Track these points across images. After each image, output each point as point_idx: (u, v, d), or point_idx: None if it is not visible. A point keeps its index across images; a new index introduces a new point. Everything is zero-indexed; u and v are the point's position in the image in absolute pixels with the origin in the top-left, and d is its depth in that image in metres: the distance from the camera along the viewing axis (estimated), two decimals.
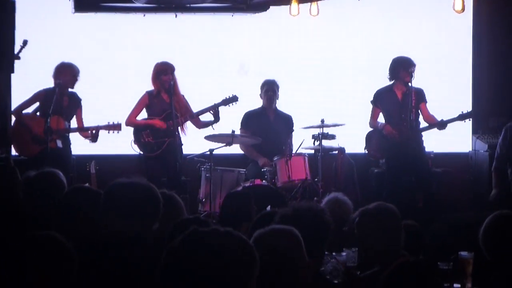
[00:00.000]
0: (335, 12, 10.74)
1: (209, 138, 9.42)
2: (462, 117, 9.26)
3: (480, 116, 10.46)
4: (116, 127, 9.10)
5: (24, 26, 9.38)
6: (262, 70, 10.46)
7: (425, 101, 9.33)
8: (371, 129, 9.58)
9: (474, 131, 10.71)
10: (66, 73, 9.12)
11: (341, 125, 10.61)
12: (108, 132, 9.17)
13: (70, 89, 9.20)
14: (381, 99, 9.39)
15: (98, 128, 9.10)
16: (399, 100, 9.26)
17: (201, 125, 9.32)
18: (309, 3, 9.34)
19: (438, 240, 5.96)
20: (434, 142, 10.03)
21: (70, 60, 9.39)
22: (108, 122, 9.12)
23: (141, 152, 9.12)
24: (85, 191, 4.54)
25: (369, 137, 9.54)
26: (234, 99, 9.37)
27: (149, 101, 9.14)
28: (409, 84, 9.14)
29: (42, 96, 9.19)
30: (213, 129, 9.25)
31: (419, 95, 9.23)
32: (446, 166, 10.42)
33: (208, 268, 2.48)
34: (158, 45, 10.55)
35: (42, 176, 5.00)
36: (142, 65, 10.10)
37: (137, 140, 9.12)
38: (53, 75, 9.17)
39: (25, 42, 8.70)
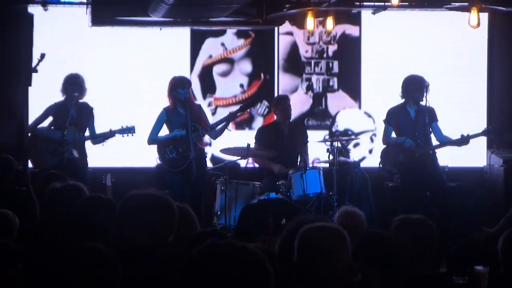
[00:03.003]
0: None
1: (225, 151, 9.47)
2: (485, 132, 9.23)
3: (495, 131, 10.44)
4: (130, 130, 9.16)
5: (41, 40, 9.49)
6: None
7: (437, 120, 9.32)
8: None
9: (489, 146, 10.70)
10: (76, 84, 9.19)
11: (354, 138, 10.66)
12: (123, 136, 9.23)
13: (80, 100, 9.27)
14: (394, 118, 9.38)
15: (112, 133, 9.17)
16: (412, 118, 9.25)
17: (213, 136, 9.31)
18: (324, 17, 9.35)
19: (453, 254, 5.96)
20: (449, 157, 10.03)
21: (86, 73, 9.47)
22: (122, 126, 9.17)
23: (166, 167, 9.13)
24: (100, 200, 4.56)
25: (385, 153, 9.51)
26: (251, 104, 9.43)
27: (167, 117, 9.16)
28: (422, 103, 9.13)
29: (53, 110, 9.26)
30: (229, 130, 9.25)
31: (431, 114, 9.22)
32: (460, 181, 10.40)
33: (224, 281, 2.52)
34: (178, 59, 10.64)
35: (67, 188, 5.02)
36: (155, 77, 10.18)
37: (161, 156, 9.15)
38: (62, 88, 9.24)
39: (42, 56, 8.79)
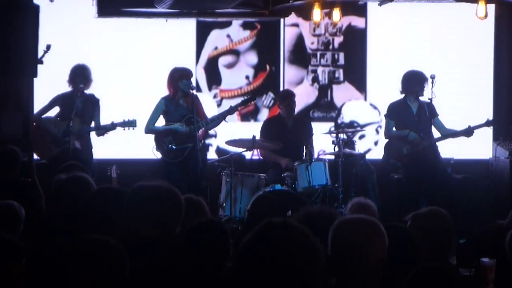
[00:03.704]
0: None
1: (230, 143, 9.47)
2: (488, 123, 9.27)
3: (501, 123, 10.42)
4: (131, 123, 9.16)
5: (47, 31, 9.47)
6: None
7: (437, 115, 9.34)
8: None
9: (495, 138, 10.68)
10: (82, 75, 9.19)
11: (360, 130, 10.65)
12: (124, 129, 9.23)
13: (86, 91, 9.27)
14: (396, 112, 9.40)
15: (113, 126, 9.17)
16: (414, 113, 9.27)
17: (210, 127, 9.31)
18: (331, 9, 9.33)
19: (462, 246, 5.94)
20: (455, 149, 10.02)
21: (92, 64, 9.47)
22: (124, 119, 9.17)
23: (163, 158, 9.14)
24: (110, 192, 4.55)
25: (388, 146, 9.52)
26: (251, 98, 9.46)
27: (166, 107, 9.14)
28: (427, 96, 9.16)
29: (59, 101, 9.27)
30: (226, 121, 9.24)
31: (431, 109, 9.23)
32: (466, 173, 10.39)
33: (282, 261, 2.57)
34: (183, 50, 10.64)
35: (73, 179, 5.02)
36: (161, 68, 10.17)
37: (159, 146, 9.14)
38: (68, 79, 9.25)
39: (48, 47, 8.78)
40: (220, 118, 9.08)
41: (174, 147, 9.00)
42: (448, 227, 4.54)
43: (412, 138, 9.21)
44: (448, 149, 9.61)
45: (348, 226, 3.40)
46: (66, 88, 9.35)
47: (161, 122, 9.26)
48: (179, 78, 9.03)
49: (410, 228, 4.52)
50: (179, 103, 9.08)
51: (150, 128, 9.15)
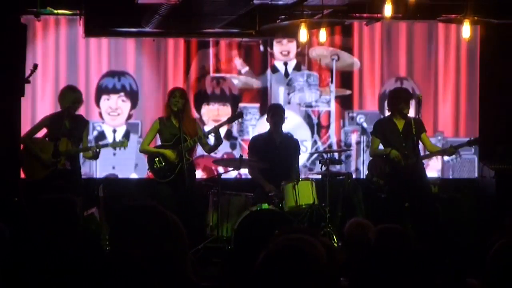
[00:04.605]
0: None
1: (218, 162, 9.49)
2: (470, 143, 9.34)
3: (487, 142, 10.48)
4: (122, 143, 9.19)
5: (34, 50, 9.49)
6: None
7: (425, 131, 9.38)
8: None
9: (481, 157, 10.73)
10: (72, 96, 9.17)
11: (347, 150, 10.68)
12: (115, 149, 9.26)
13: (75, 111, 9.25)
14: (381, 130, 9.43)
15: (104, 146, 9.19)
16: (400, 130, 9.29)
17: (207, 149, 9.38)
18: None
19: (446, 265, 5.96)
20: (441, 167, 10.06)
21: (81, 83, 9.49)
22: (114, 139, 9.18)
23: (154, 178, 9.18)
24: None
25: (372, 164, 9.56)
26: (239, 116, 9.51)
27: (160, 126, 9.24)
28: (413, 115, 9.21)
29: (47, 122, 9.24)
30: (213, 153, 9.35)
31: (419, 125, 9.24)
32: (452, 192, 10.43)
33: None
34: None
35: (56, 200, 4.99)
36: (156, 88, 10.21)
37: (151, 166, 9.20)
38: (58, 100, 9.25)
39: (35, 66, 8.78)
40: (213, 139, 9.17)
41: (163, 165, 9.07)
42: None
43: (393, 156, 9.21)
44: (434, 168, 9.64)
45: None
46: (53, 107, 9.34)
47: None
48: (168, 97, 9.14)
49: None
50: (172, 122, 9.14)
51: (143, 148, 9.32)
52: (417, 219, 9.12)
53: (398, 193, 9.27)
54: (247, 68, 10.95)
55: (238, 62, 10.92)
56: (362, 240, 5.57)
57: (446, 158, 10.67)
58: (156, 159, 9.13)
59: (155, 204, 4.09)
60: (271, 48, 10.98)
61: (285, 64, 11.10)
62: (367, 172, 9.63)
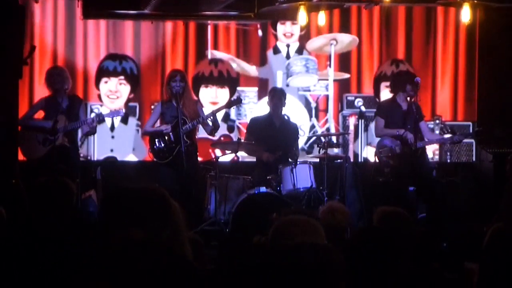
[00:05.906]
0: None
1: (216, 146, 9.49)
2: (472, 135, 9.41)
3: (484, 126, 10.46)
4: (118, 113, 9.25)
5: (32, 32, 9.46)
6: None
7: (423, 118, 9.37)
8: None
9: (479, 141, 10.72)
10: (59, 76, 9.14)
11: (345, 134, 10.68)
12: (111, 118, 9.32)
13: (67, 90, 9.23)
14: (386, 110, 9.41)
15: (100, 116, 9.22)
16: (404, 111, 9.27)
17: (207, 130, 9.36)
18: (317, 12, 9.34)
19: (445, 249, 5.98)
20: (439, 152, 10.06)
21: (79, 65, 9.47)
22: (110, 110, 9.21)
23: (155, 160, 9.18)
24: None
25: (381, 143, 9.46)
26: (237, 101, 9.48)
27: (162, 109, 9.25)
28: (411, 98, 9.17)
29: (43, 104, 9.23)
30: (213, 136, 9.33)
31: (419, 110, 9.23)
32: (450, 176, 10.43)
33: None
34: None
35: (51, 183, 4.99)
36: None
37: (151, 147, 9.21)
38: (46, 83, 9.21)
39: (33, 48, 8.75)
40: (211, 122, 9.14)
41: (162, 146, 9.06)
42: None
43: (410, 138, 9.11)
44: (433, 152, 9.64)
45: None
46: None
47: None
48: (167, 80, 9.11)
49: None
50: (173, 104, 9.12)
51: (144, 130, 9.44)
52: (428, 202, 9.16)
53: (405, 175, 9.22)
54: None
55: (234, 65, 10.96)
56: (332, 224, 5.58)
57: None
58: (156, 139, 9.14)
59: (154, 187, 4.09)
60: (275, 30, 10.99)
61: (288, 46, 11.10)
62: (375, 151, 9.56)
